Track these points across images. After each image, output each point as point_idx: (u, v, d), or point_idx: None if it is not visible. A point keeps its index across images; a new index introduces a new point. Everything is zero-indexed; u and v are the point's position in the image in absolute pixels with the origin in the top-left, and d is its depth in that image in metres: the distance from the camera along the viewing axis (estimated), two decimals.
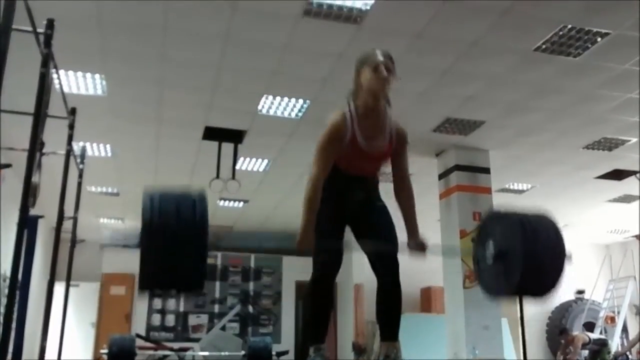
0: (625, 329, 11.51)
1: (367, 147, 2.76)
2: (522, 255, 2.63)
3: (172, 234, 2.35)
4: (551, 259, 2.71)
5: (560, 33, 5.02)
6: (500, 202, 8.94)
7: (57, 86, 4.59)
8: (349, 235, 2.96)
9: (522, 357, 9.68)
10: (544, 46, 5.24)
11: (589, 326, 11.08)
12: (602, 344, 9.54)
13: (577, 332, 10.86)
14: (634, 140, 7.32)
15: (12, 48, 2.62)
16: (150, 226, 2.37)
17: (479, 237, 2.95)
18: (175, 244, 2.35)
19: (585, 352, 9.74)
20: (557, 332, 11.14)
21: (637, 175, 8.56)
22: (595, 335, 10.29)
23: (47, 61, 3.60)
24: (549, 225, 2.81)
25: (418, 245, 2.86)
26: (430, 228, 10.00)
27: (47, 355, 4.98)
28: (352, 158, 2.78)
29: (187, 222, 2.38)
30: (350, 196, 2.87)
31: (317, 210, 2.71)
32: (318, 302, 2.86)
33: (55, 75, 4.32)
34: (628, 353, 9.93)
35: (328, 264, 2.78)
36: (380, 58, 2.74)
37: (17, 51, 2.99)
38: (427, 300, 11.78)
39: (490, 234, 2.87)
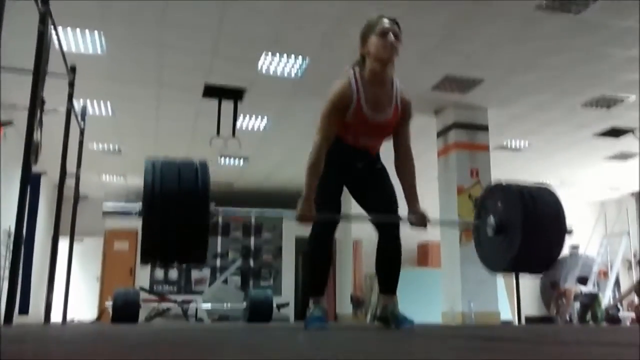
0: (617, 283, 11.74)
1: (371, 116, 2.74)
2: (521, 228, 2.64)
3: (175, 203, 2.33)
4: (551, 231, 2.71)
5: None
6: (499, 159, 9.01)
7: (57, 45, 4.58)
8: (348, 197, 3.00)
9: (516, 311, 9.92)
10: (545, 4, 5.20)
11: (583, 280, 11.28)
12: (593, 297, 9.74)
13: (569, 284, 11.06)
14: (633, 97, 7.32)
15: (9, 5, 2.62)
16: (152, 195, 2.35)
17: (479, 210, 2.97)
18: (178, 213, 2.32)
19: (577, 305, 9.96)
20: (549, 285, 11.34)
21: (636, 132, 8.59)
22: (586, 288, 10.49)
23: (45, 19, 3.60)
24: (549, 198, 2.81)
25: (419, 218, 2.88)
26: (428, 185, 10.10)
27: (53, 309, 5.11)
28: (356, 127, 2.77)
29: (189, 191, 2.36)
30: (353, 165, 2.89)
31: (319, 177, 2.71)
32: (318, 257, 2.92)
33: (54, 33, 4.31)
34: (619, 305, 10.15)
35: (327, 220, 2.81)
36: (387, 24, 2.70)
37: (15, 9, 2.99)
38: (424, 255, 11.95)
39: (491, 207, 2.88)
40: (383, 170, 2.97)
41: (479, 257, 3.00)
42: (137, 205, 2.42)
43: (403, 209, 2.94)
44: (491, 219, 2.83)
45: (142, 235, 2.37)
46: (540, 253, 2.73)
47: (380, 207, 2.91)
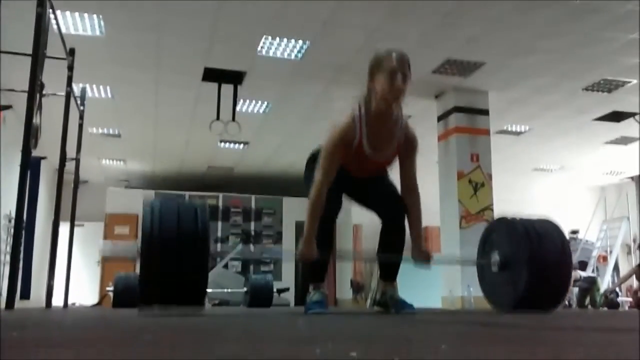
0: (616, 268, 11.79)
1: (371, 155, 2.74)
2: (527, 267, 2.59)
3: (174, 249, 2.29)
4: (557, 270, 2.65)
5: None
6: (499, 143, 9.00)
7: (55, 27, 4.56)
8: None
9: None
10: None
11: (582, 265, 11.33)
12: (592, 282, 9.79)
13: None
14: (634, 81, 7.29)
15: None
16: (150, 240, 2.30)
17: (484, 245, 2.94)
18: (177, 259, 2.29)
19: (575, 290, 10.01)
20: None
21: (636, 117, 8.56)
22: (584, 273, 10.55)
23: (43, 1, 3.57)
24: (554, 233, 2.75)
25: (422, 254, 2.88)
26: (428, 170, 10.08)
27: (54, 293, 5.14)
28: (355, 162, 2.77)
29: (189, 236, 2.32)
30: (351, 180, 2.89)
31: (320, 216, 2.69)
32: (318, 243, 2.92)
33: (52, 16, 4.28)
34: (617, 289, 10.20)
35: (328, 207, 2.81)
36: (396, 64, 2.61)
37: None
38: (424, 240, 11.97)
39: (496, 242, 2.85)
40: (387, 177, 2.97)
41: (483, 292, 2.97)
42: (135, 249, 2.41)
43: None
44: (496, 255, 2.80)
45: (140, 279, 2.34)
46: (546, 292, 2.68)
47: (383, 201, 2.91)
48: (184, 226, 2.33)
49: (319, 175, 2.70)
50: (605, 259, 11.55)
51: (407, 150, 2.81)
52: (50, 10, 4.06)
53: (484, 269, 2.92)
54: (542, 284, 2.64)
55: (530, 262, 2.61)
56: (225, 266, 11.17)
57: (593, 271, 11.07)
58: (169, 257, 2.29)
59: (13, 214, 3.75)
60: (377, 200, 2.95)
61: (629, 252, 12.39)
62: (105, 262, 11.63)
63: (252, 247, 12.54)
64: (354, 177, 2.89)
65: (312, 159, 2.86)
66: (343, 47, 6.38)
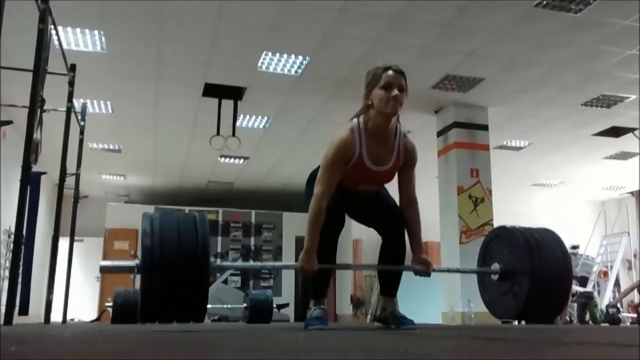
0: (617, 283, 11.74)
1: (372, 167, 2.73)
2: (528, 277, 2.58)
3: (174, 264, 2.28)
4: (557, 280, 2.65)
5: None
6: (498, 159, 9.02)
7: (57, 44, 4.58)
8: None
9: None
10: (544, 2, 5.20)
11: (583, 280, 11.29)
12: (589, 297, 9.73)
13: None
14: (633, 97, 7.32)
15: (9, 4, 2.62)
16: (151, 254, 2.30)
17: (484, 254, 2.94)
18: (177, 274, 2.29)
19: (575, 305, 9.96)
20: None
21: (635, 132, 8.59)
22: (581, 288, 10.50)
23: (45, 17, 3.59)
24: (554, 243, 2.75)
25: (422, 264, 2.87)
26: (428, 185, 10.07)
27: (53, 309, 5.11)
28: (356, 176, 2.77)
29: (189, 250, 2.32)
30: (351, 198, 2.87)
31: (320, 229, 2.68)
32: (320, 258, 2.90)
33: (54, 32, 4.31)
34: (618, 304, 10.16)
35: (331, 223, 2.79)
36: (392, 77, 2.63)
37: (15, 8, 2.99)
38: (424, 250, 11.93)
39: (496, 251, 2.85)
40: (382, 188, 2.95)
41: (484, 302, 2.96)
42: (136, 263, 2.39)
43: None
44: (496, 265, 2.80)
45: (141, 294, 2.34)
46: (547, 301, 2.68)
47: (383, 217, 2.89)
48: (184, 241, 2.32)
49: (319, 188, 2.69)
50: (605, 274, 11.51)
51: (406, 162, 2.81)
52: (52, 26, 4.09)
53: (485, 278, 2.92)
54: (543, 293, 2.63)
55: (531, 272, 2.61)
56: (225, 281, 11.14)
57: (594, 287, 11.02)
58: (169, 272, 2.28)
59: (13, 229, 3.75)
60: (376, 217, 2.94)
61: (629, 268, 12.35)
62: (105, 277, 11.59)
63: (251, 262, 12.50)
64: (355, 193, 2.87)
65: (312, 178, 2.86)
66: (342, 63, 6.41)
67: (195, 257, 2.33)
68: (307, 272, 2.70)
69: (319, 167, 2.81)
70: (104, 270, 2.60)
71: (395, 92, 2.61)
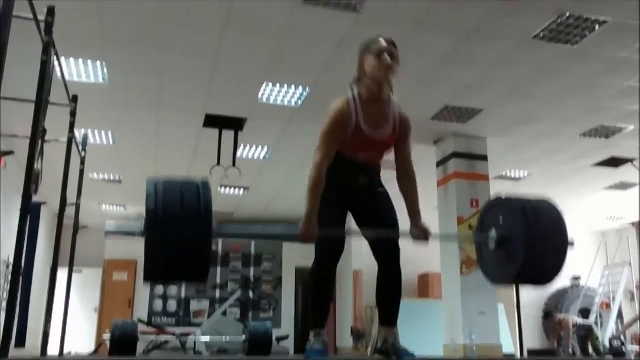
0: (620, 315, 11.61)
1: (371, 134, 2.76)
2: (524, 241, 2.64)
3: (177, 223, 2.34)
4: (553, 244, 2.70)
5: (559, 21, 5.05)
6: (498, 189, 9.01)
7: (59, 74, 4.63)
8: (349, 221, 2.98)
9: (518, 343, 9.79)
10: (542, 34, 5.27)
11: (585, 312, 11.17)
12: (589, 330, 9.62)
13: (564, 315, 10.94)
14: (631, 127, 7.36)
15: (13, 36, 2.65)
16: (154, 215, 2.36)
17: (481, 225, 2.96)
18: (180, 233, 2.33)
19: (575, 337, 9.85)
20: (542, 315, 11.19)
21: (635, 162, 8.61)
22: (581, 320, 10.38)
23: (48, 49, 3.63)
24: (551, 210, 2.81)
25: (421, 232, 2.87)
26: (428, 215, 9.98)
27: (50, 340, 5.05)
28: (356, 145, 2.78)
29: (191, 211, 2.37)
30: (353, 182, 2.87)
31: (321, 195, 2.70)
32: (320, 288, 2.86)
33: (57, 64, 4.35)
34: (622, 336, 10.03)
35: (331, 250, 2.77)
36: (384, 45, 2.73)
37: (19, 39, 3.02)
38: (425, 286, 11.86)
39: (492, 220, 2.88)
40: (385, 195, 2.94)
41: (482, 270, 2.98)
42: (140, 225, 2.42)
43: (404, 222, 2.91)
44: (493, 232, 2.82)
45: (145, 254, 2.37)
46: (543, 265, 2.71)
47: (383, 252, 2.88)
48: (187, 201, 2.39)
49: (317, 157, 2.72)
50: (608, 305, 11.39)
51: (402, 131, 2.85)
52: (55, 58, 4.13)
53: (482, 247, 2.92)
54: (539, 257, 2.65)
55: (527, 236, 2.63)
56: (224, 313, 11.04)
57: (596, 318, 10.90)
58: (172, 231, 2.34)
59: (11, 260, 3.73)
60: (375, 222, 2.89)
61: (632, 299, 12.23)
62: (103, 309, 11.48)
63: (251, 293, 12.40)
64: (357, 190, 2.83)
65: None
66: (343, 93, 6.44)
67: (198, 215, 2.37)
68: (309, 237, 2.66)
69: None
70: (109, 233, 2.64)
71: (387, 57, 2.70)
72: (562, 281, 12.86)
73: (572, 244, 2.73)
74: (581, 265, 12.55)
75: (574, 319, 10.42)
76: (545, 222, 2.71)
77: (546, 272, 2.75)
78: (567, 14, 4.96)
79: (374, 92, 2.77)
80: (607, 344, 9.62)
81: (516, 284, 2.79)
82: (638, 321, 9.79)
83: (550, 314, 10.90)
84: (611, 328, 10.61)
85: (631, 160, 8.58)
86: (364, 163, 2.86)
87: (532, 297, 12.60)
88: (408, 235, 2.86)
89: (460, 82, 6.28)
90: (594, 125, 7.36)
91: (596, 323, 11.00)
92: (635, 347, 10.19)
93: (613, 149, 8.19)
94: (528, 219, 2.67)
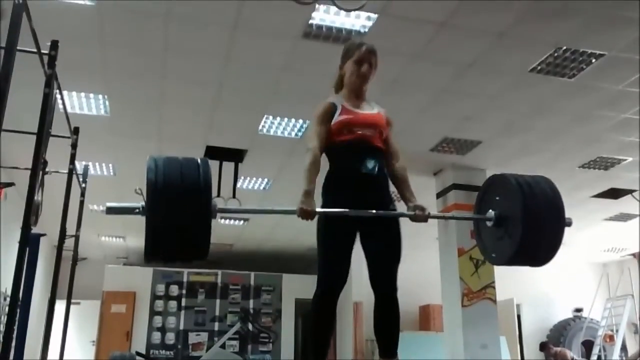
0: (624, 348, 11.48)
1: (359, 110, 2.92)
2: (521, 219, 2.63)
3: (177, 196, 2.36)
4: (550, 221, 2.70)
5: (556, 54, 5.11)
6: None
7: (61, 107, 4.67)
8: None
9: None
10: (539, 67, 5.33)
11: (588, 345, 11.04)
12: None
13: (559, 348, 10.81)
14: (630, 159, 7.39)
15: (15, 67, 2.68)
16: (154, 187, 2.40)
17: (479, 204, 2.96)
18: (181, 204, 2.35)
19: None
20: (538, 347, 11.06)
21: (635, 194, 8.61)
22: (576, 355, 10.29)
23: (51, 81, 3.67)
24: (547, 187, 2.83)
25: (418, 209, 2.85)
26: (428, 246, 9.99)
27: None
28: (349, 120, 2.86)
29: (191, 184, 2.40)
30: (362, 167, 2.81)
31: (316, 176, 2.76)
32: (320, 321, 2.82)
33: (59, 96, 4.39)
34: None
35: (334, 278, 2.74)
36: (364, 53, 2.92)
37: (21, 71, 3.06)
38: (426, 318, 11.75)
39: (490, 199, 2.88)
40: (397, 231, 2.89)
41: (480, 249, 2.98)
42: (141, 204, 2.44)
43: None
44: (491, 212, 2.82)
45: (146, 232, 2.38)
46: (541, 243, 2.70)
47: (379, 284, 2.86)
48: (187, 177, 2.42)
49: (312, 143, 2.84)
50: (611, 338, 11.27)
51: (387, 119, 2.99)
52: (57, 91, 4.18)
53: (480, 227, 2.91)
54: (536, 233, 2.63)
55: (524, 212, 2.62)
56: (223, 346, 10.90)
57: (600, 351, 10.77)
58: (172, 205, 2.37)
59: (8, 292, 3.69)
60: (379, 249, 2.85)
61: (635, 331, 12.11)
62: (101, 341, 11.35)
63: (250, 325, 12.27)
64: (362, 195, 2.79)
65: (327, 182, 2.91)
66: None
67: (198, 190, 2.39)
68: (306, 214, 2.61)
69: (330, 172, 2.89)
70: (110, 211, 2.63)
71: (365, 67, 2.91)
72: (564, 313, 12.75)
73: (570, 224, 2.74)
74: (583, 297, 12.47)
75: (570, 354, 10.29)
76: (541, 199, 2.73)
77: (544, 250, 2.74)
78: (564, 48, 5.02)
79: (352, 92, 2.98)
80: None
81: (514, 263, 2.78)
82: None
83: (545, 345, 10.76)
84: None
85: (631, 192, 8.59)
86: (364, 141, 2.85)
87: (534, 329, 12.47)
88: (406, 216, 2.84)
89: (459, 114, 6.33)
90: (592, 156, 7.39)
91: (599, 357, 10.87)
92: None
93: (613, 180, 8.20)
94: (525, 197, 2.68)
